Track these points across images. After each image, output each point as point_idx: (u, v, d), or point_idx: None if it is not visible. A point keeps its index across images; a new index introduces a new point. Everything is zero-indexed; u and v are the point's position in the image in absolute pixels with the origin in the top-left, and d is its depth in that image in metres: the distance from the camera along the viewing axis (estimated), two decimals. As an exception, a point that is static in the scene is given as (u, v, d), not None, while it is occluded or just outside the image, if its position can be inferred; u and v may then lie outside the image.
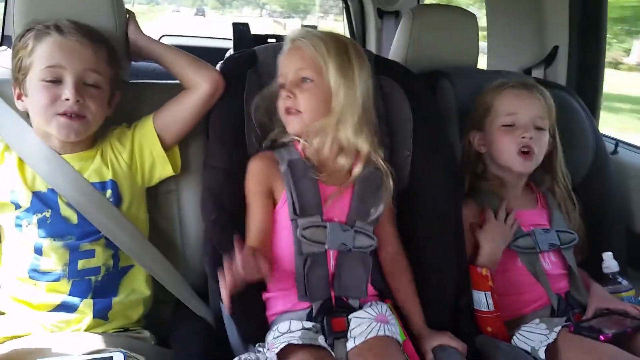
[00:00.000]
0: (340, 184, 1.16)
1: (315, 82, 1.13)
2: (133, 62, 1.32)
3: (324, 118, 1.14)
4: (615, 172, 1.53)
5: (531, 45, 1.81)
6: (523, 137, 1.29)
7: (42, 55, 1.07)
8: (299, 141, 1.17)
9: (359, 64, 1.15)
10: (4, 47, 2.05)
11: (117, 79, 1.16)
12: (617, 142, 1.64)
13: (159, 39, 3.45)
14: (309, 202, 1.12)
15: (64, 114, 1.06)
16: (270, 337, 1.08)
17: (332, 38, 1.17)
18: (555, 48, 1.77)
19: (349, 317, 1.09)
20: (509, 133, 1.31)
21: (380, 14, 2.79)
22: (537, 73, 1.79)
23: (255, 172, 1.16)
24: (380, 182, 1.19)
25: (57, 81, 1.06)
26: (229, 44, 2.49)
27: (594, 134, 1.53)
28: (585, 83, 1.77)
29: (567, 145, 1.40)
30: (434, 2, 3.89)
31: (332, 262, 1.12)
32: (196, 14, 28.72)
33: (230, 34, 2.31)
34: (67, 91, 1.05)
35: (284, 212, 1.14)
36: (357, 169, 1.16)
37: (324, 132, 1.15)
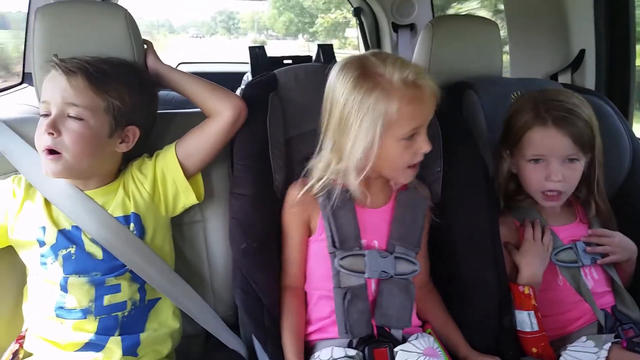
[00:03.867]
0: (379, 206, 1.14)
1: None
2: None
3: None
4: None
5: (556, 50, 1.76)
6: (550, 180, 1.20)
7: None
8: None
9: None
10: (25, 85, 2.06)
11: (124, 112, 1.08)
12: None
13: (176, 67, 3.49)
14: (349, 234, 1.09)
15: (45, 150, 1.04)
16: None
17: None
18: (582, 52, 1.71)
19: (395, 350, 1.05)
20: (536, 171, 1.22)
21: (395, 27, 2.76)
22: (564, 78, 1.73)
23: (294, 201, 1.13)
24: (420, 202, 1.16)
25: (46, 115, 1.05)
26: (245, 68, 2.48)
27: (629, 138, 1.46)
28: (616, 86, 1.71)
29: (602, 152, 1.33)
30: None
31: (373, 291, 1.09)
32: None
33: (239, 55, 2.30)
34: (45, 125, 1.03)
35: (320, 244, 1.11)
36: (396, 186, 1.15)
37: None
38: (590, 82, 1.72)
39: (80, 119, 1.04)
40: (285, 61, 2.33)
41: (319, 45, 2.10)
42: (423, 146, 1.04)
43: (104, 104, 1.06)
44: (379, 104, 0.99)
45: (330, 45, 2.22)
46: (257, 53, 2.13)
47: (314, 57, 2.36)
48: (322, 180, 1.10)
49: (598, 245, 1.25)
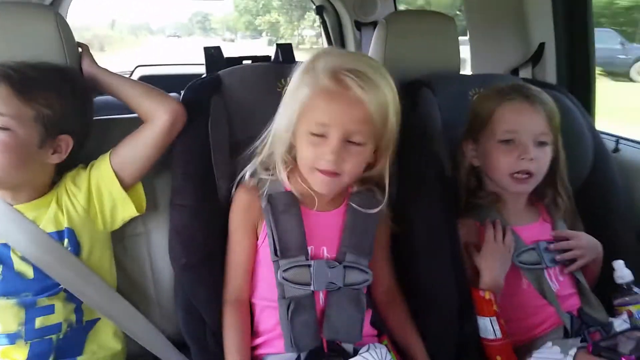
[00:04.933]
0: (329, 209, 1.08)
1: None
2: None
3: None
4: (619, 171, 1.42)
5: (516, 44, 1.72)
6: (522, 159, 1.16)
7: None
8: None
9: None
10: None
11: (55, 120, 1.02)
12: (618, 139, 1.54)
13: (134, 69, 3.36)
14: (292, 242, 1.02)
15: None
16: None
17: None
18: (542, 45, 1.67)
19: None
20: (507, 152, 1.18)
21: (358, 25, 2.72)
22: (525, 73, 1.70)
23: (240, 203, 1.07)
24: (374, 207, 1.08)
25: None
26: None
27: (591, 133, 1.43)
28: (577, 80, 1.67)
29: (564, 148, 1.30)
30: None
31: (321, 302, 1.03)
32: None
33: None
34: None
35: (265, 250, 1.04)
36: (352, 189, 1.08)
37: None
38: (551, 76, 1.69)
39: (6, 129, 0.97)
40: (245, 61, 2.25)
41: (277, 44, 2.03)
42: (325, 151, 0.97)
43: (32, 112, 1.00)
44: (301, 88, 0.99)
45: (289, 45, 2.15)
46: (212, 53, 2.05)
47: (272, 57, 2.30)
48: (254, 167, 1.07)
49: (565, 250, 1.20)
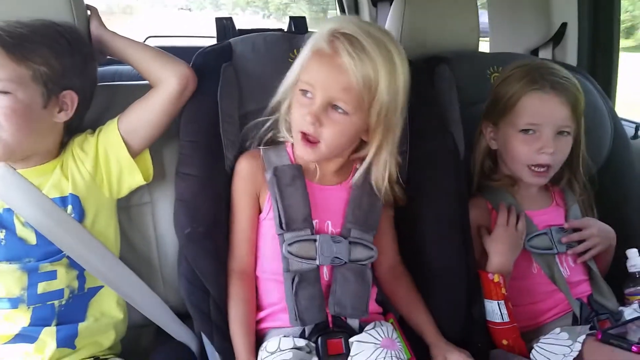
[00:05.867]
0: (335, 183, 1.06)
1: None
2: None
3: None
4: (637, 158, 1.39)
5: (537, 23, 1.67)
6: (542, 153, 1.13)
7: None
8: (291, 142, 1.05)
9: None
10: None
11: (54, 77, 0.98)
12: (638, 126, 1.50)
13: (145, 40, 3.32)
14: (297, 215, 1.01)
15: None
16: (259, 357, 0.97)
17: None
18: (564, 25, 1.62)
19: (350, 340, 0.97)
20: (527, 143, 1.14)
21: (374, 1, 2.65)
22: (545, 54, 1.65)
23: (243, 171, 1.05)
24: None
25: None
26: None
27: (611, 118, 1.39)
28: (599, 63, 1.63)
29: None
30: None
31: (325, 276, 1.01)
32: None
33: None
34: None
35: (269, 222, 1.03)
36: (360, 169, 1.04)
37: None
38: (571, 58, 1.64)
39: (6, 93, 0.94)
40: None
41: (291, 17, 1.98)
42: (306, 117, 0.96)
43: (28, 72, 0.96)
44: (305, 47, 1.00)
45: (303, 18, 2.10)
46: (224, 24, 2.00)
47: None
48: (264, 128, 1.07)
49: (579, 242, 1.18)
